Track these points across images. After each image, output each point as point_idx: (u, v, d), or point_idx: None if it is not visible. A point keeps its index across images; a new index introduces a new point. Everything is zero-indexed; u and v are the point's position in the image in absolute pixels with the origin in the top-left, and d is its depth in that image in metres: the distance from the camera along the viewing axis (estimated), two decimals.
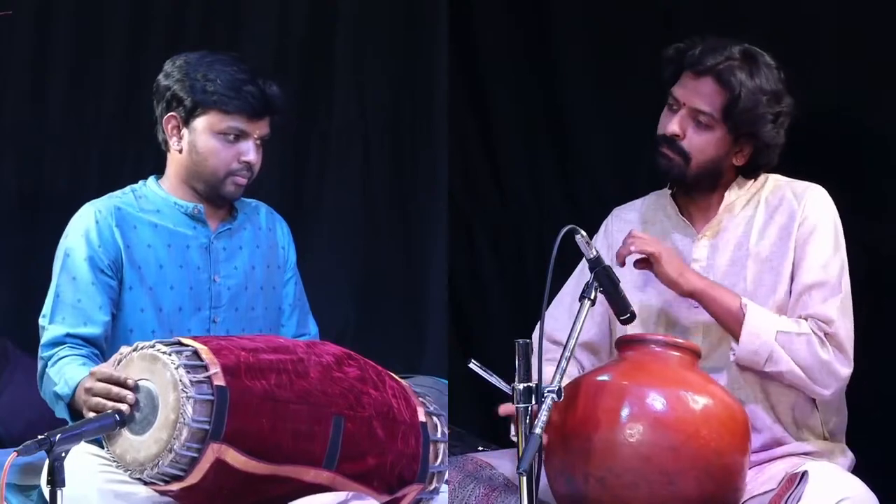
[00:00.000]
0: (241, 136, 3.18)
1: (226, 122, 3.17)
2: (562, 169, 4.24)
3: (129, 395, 2.76)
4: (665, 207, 3.32)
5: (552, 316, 3.28)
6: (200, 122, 3.18)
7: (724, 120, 3.16)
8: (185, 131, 3.19)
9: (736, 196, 3.25)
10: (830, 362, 3.07)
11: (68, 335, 3.08)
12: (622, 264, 3.12)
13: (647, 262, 3.11)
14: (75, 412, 2.97)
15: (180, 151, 3.21)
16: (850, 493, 2.88)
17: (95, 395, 2.81)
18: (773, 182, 3.26)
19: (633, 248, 3.10)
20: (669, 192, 3.32)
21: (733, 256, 3.21)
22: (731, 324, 3.10)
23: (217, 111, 3.16)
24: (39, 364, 3.09)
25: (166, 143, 3.23)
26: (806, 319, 3.10)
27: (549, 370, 2.79)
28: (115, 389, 2.78)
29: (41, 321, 3.13)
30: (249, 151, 3.20)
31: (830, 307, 3.10)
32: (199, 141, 3.18)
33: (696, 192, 3.26)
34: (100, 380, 2.81)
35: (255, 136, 3.20)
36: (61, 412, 3.02)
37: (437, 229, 4.37)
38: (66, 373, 3.00)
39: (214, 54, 3.22)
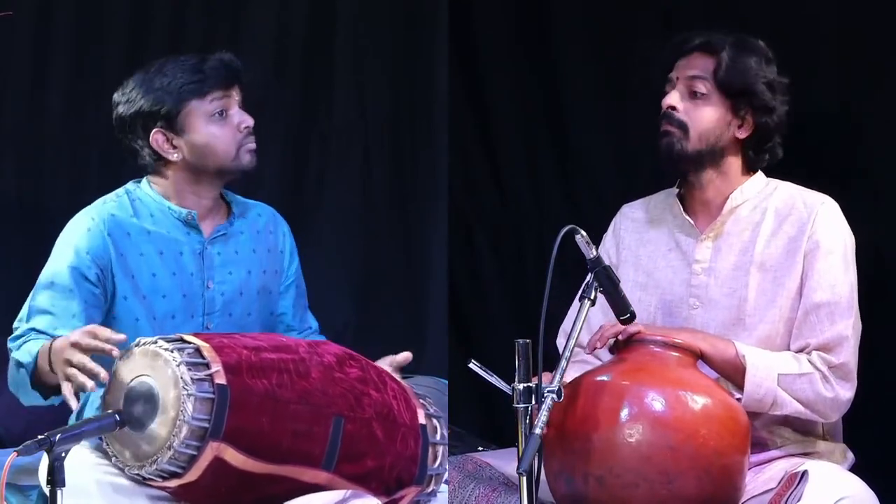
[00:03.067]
0: (226, 106, 3.18)
1: (205, 102, 3.16)
2: (562, 169, 4.24)
3: (102, 372, 2.78)
4: (671, 206, 3.30)
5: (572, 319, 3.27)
6: (186, 120, 3.16)
7: (718, 86, 3.16)
8: (175, 139, 3.17)
9: (743, 199, 3.21)
10: (834, 398, 3.06)
11: (35, 330, 3.05)
12: (591, 350, 3.10)
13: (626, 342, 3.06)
14: (38, 388, 2.95)
15: (180, 158, 3.19)
16: (850, 492, 2.88)
17: (74, 364, 2.80)
18: (784, 190, 3.22)
19: (606, 335, 3.05)
20: (677, 190, 3.30)
21: (737, 261, 3.18)
22: (730, 373, 3.07)
23: (194, 99, 3.16)
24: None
25: (155, 161, 3.20)
26: (810, 353, 3.07)
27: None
28: (91, 365, 2.78)
29: (16, 323, 3.10)
30: (244, 117, 3.19)
31: (838, 331, 3.07)
32: (196, 136, 3.17)
33: (701, 174, 3.20)
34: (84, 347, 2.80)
35: (238, 104, 3.19)
36: (26, 396, 2.98)
37: (437, 229, 4.36)
38: (28, 347, 2.98)
39: (155, 63, 3.20)
